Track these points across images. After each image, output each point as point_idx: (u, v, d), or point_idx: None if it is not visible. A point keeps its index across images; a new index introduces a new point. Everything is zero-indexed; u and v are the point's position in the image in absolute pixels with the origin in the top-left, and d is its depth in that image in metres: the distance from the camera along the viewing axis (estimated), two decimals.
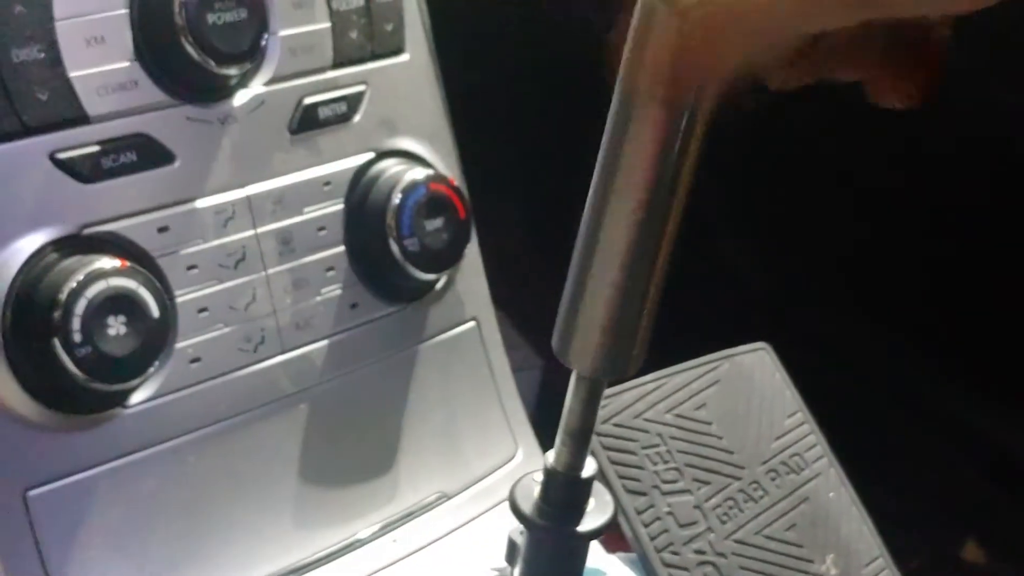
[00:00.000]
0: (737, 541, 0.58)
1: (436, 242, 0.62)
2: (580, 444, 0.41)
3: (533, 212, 1.13)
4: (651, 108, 0.33)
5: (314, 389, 0.61)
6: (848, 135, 0.90)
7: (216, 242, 0.57)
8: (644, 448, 0.59)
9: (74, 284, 0.50)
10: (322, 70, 0.61)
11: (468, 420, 0.67)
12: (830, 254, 1.01)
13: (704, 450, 0.61)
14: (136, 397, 0.55)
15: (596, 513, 0.43)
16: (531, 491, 0.44)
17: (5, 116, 0.51)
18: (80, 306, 0.50)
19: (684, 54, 0.32)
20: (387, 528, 0.63)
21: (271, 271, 0.59)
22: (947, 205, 0.91)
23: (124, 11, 0.54)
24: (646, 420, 0.60)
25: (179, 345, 0.56)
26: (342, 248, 0.62)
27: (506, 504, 0.65)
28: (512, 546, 0.46)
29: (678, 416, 0.61)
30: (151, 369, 0.53)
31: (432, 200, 0.62)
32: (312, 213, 0.60)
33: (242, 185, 0.58)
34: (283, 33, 0.59)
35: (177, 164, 0.56)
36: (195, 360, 0.56)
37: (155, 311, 0.52)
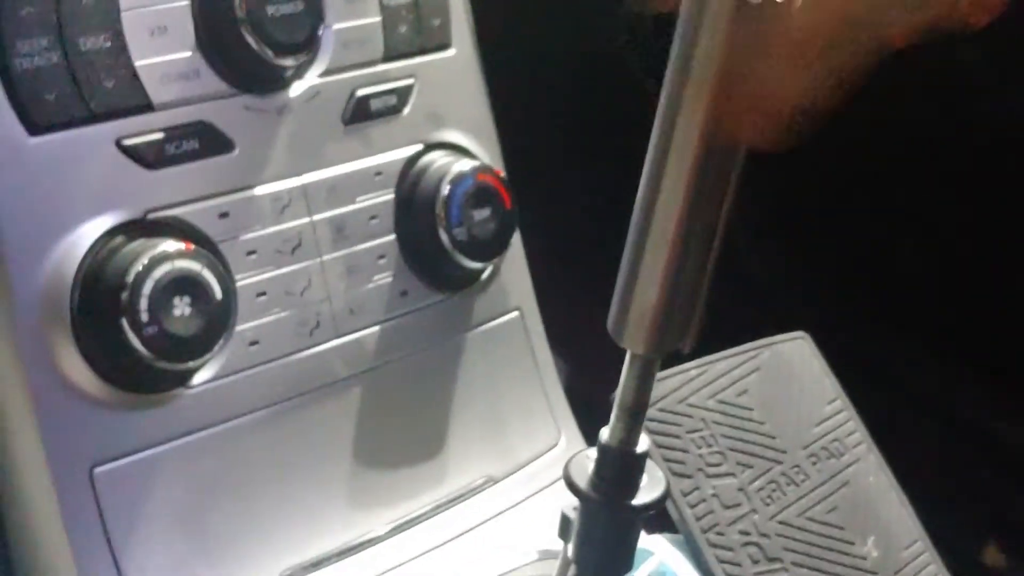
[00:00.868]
0: (780, 522, 0.60)
1: (484, 231, 0.63)
2: (634, 420, 0.42)
3: (552, 221, 1.14)
4: None
5: (366, 374, 0.62)
6: (870, 135, 0.90)
7: (273, 228, 0.58)
8: (688, 432, 0.61)
9: (140, 267, 0.51)
10: (373, 63, 0.62)
11: (513, 407, 0.68)
12: (848, 256, 1.02)
13: (746, 435, 0.62)
14: (198, 378, 0.56)
15: (649, 488, 0.44)
16: (585, 467, 0.44)
17: (73, 103, 0.52)
18: (147, 287, 0.51)
19: None
20: (437, 510, 0.64)
21: (326, 258, 0.60)
22: (967, 205, 0.91)
23: (186, 2, 0.56)
24: (690, 405, 0.62)
25: (239, 328, 0.57)
26: (393, 236, 0.63)
27: (550, 489, 0.67)
28: (566, 522, 0.46)
29: (721, 402, 0.63)
30: (214, 349, 0.54)
31: (480, 190, 0.63)
32: (364, 202, 0.62)
33: (298, 174, 0.59)
34: (337, 26, 0.61)
35: (236, 152, 0.57)
36: (254, 343, 0.58)
37: (218, 293, 0.53)
